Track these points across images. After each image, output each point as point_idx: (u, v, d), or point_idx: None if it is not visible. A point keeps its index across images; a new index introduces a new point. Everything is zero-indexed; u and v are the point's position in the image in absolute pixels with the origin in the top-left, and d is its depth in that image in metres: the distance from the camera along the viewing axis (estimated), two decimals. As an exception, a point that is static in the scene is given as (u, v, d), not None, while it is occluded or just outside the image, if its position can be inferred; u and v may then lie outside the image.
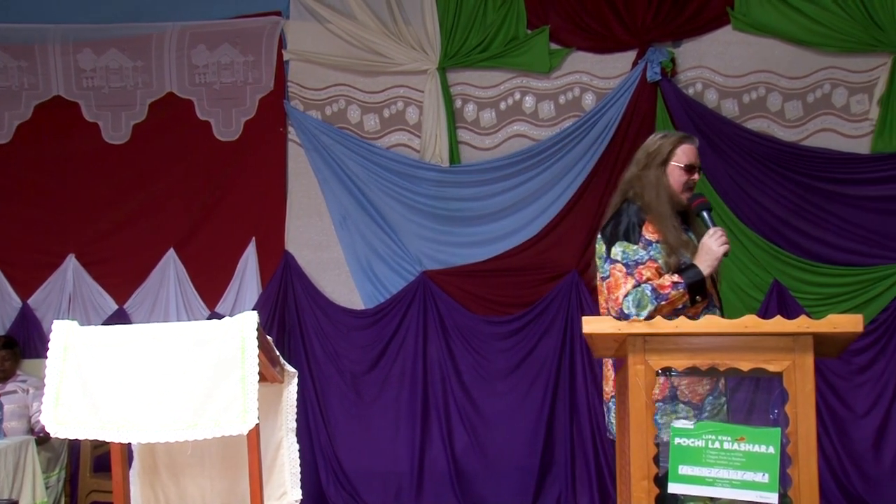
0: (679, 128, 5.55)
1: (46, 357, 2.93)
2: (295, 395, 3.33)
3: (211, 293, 5.93)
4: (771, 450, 2.45)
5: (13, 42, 6.12)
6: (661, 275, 3.11)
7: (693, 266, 3.12)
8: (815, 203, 5.46)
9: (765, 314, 5.20)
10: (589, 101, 5.76)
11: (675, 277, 3.07)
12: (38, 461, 4.86)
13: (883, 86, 5.41)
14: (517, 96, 5.84)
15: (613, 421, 3.24)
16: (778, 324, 2.52)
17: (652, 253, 3.15)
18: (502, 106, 5.86)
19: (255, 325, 2.91)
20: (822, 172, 5.46)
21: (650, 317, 3.04)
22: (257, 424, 2.85)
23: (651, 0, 5.60)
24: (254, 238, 5.97)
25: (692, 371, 2.71)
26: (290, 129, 6.01)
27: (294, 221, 5.99)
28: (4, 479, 4.58)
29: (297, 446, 3.31)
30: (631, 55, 5.68)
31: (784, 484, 2.47)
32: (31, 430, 5.34)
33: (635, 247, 3.16)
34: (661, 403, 3.21)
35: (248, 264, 5.95)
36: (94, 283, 6.02)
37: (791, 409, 2.48)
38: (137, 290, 5.98)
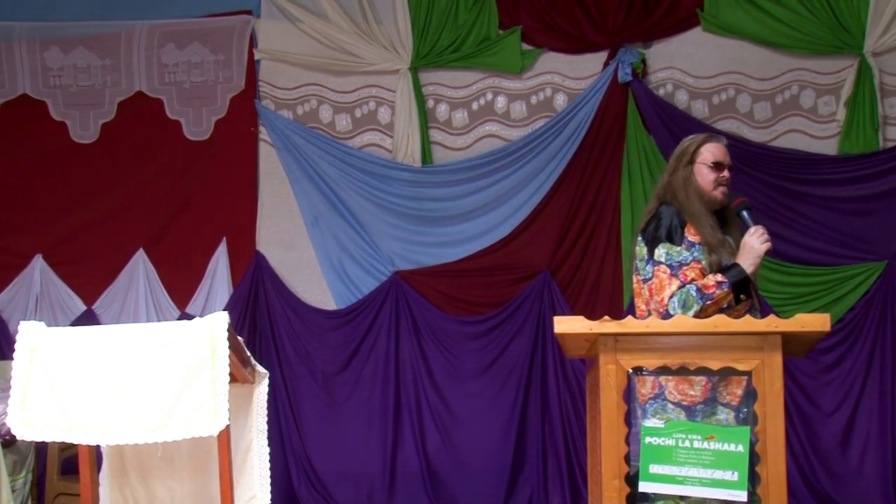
0: (650, 129, 5.60)
1: (12, 359, 2.89)
2: (266, 396, 3.31)
3: (181, 294, 5.88)
4: (740, 448, 2.48)
5: (-22, 40, 6.05)
6: (704, 275, 3.14)
7: (736, 265, 3.17)
8: (784, 203, 5.51)
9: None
10: (560, 101, 5.78)
11: (719, 277, 3.12)
12: (3, 464, 4.79)
13: (849, 88, 5.47)
14: (489, 96, 5.85)
15: (640, 423, 3.25)
16: (747, 323, 2.55)
17: (695, 254, 3.19)
18: (474, 106, 5.87)
19: (226, 326, 2.89)
20: (790, 173, 5.51)
21: (695, 317, 3.07)
22: (228, 426, 2.83)
23: (622, 1, 5.63)
24: (225, 238, 5.93)
25: (678, 370, 2.72)
26: (262, 128, 5.97)
27: (265, 221, 5.96)
28: (-30, 483, 4.51)
29: (267, 448, 3.29)
30: (602, 56, 5.71)
31: (753, 482, 2.49)
32: (-3, 433, 5.27)
33: (679, 248, 3.20)
34: (702, 405, 3.22)
35: (219, 264, 5.91)
36: (61, 283, 5.95)
37: (760, 408, 2.50)
38: (106, 291, 5.92)
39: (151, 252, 5.94)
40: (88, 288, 5.94)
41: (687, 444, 2.50)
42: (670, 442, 2.51)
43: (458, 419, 5.68)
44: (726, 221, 3.41)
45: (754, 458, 2.47)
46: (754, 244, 3.19)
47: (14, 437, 2.85)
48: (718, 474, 2.47)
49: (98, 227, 5.98)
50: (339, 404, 5.76)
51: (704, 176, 3.36)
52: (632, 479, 2.55)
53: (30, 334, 2.91)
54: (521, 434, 5.61)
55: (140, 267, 5.92)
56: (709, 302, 3.07)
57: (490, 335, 5.69)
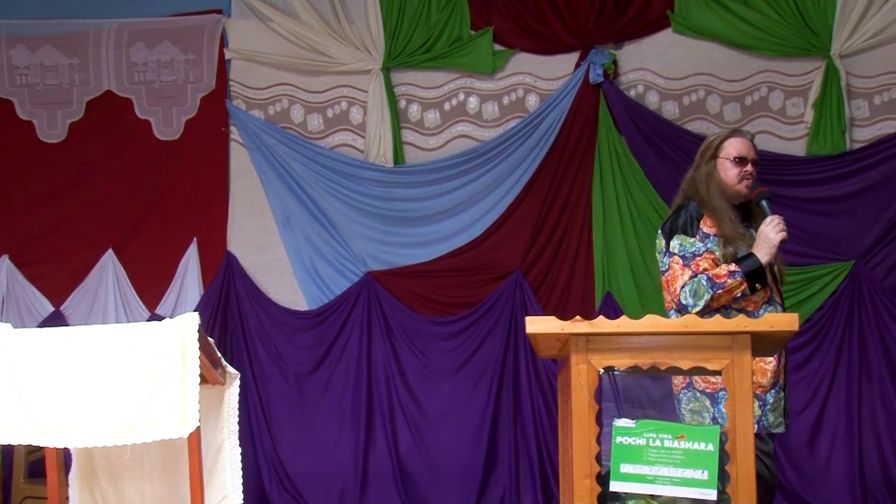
0: (621, 129, 5.63)
1: (-22, 361, 2.85)
2: (237, 397, 3.30)
3: (151, 294, 5.84)
4: (710, 447, 2.49)
5: (-57, 38, 5.97)
6: (718, 265, 3.17)
7: (751, 255, 3.21)
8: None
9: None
10: (532, 102, 5.79)
11: (732, 266, 3.16)
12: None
13: (817, 89, 5.53)
14: (461, 97, 5.86)
15: (684, 412, 3.31)
16: (717, 323, 2.57)
17: (709, 245, 3.23)
18: (446, 106, 5.87)
19: (196, 327, 2.87)
20: (759, 174, 5.55)
21: (707, 306, 3.14)
22: (198, 427, 2.81)
23: (593, 2, 5.66)
24: (195, 238, 5.89)
25: (649, 370, 2.73)
26: (233, 128, 5.94)
27: (236, 222, 5.93)
28: (-65, 487, 4.45)
29: (238, 449, 3.27)
30: (573, 57, 5.73)
31: (723, 481, 2.51)
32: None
33: (692, 239, 3.25)
34: (723, 391, 3.26)
35: (190, 265, 5.87)
36: (28, 284, 5.88)
37: (729, 407, 2.52)
38: (75, 292, 5.86)
39: (121, 252, 5.88)
40: (56, 289, 5.88)
41: (658, 443, 2.51)
42: (641, 441, 2.52)
43: (431, 419, 5.67)
44: (751, 215, 3.45)
45: (724, 456, 2.49)
46: (769, 234, 3.23)
47: (-21, 440, 2.82)
48: (689, 473, 2.49)
49: (66, 227, 5.91)
50: (310, 405, 5.74)
51: (728, 170, 3.41)
52: (603, 479, 2.55)
53: (-4, 336, 2.88)
54: (493, 434, 5.62)
55: (109, 267, 5.87)
56: (720, 291, 3.11)
57: (462, 335, 5.69)
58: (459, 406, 5.65)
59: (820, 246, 5.51)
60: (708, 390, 3.30)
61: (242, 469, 3.27)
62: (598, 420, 2.56)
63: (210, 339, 3.08)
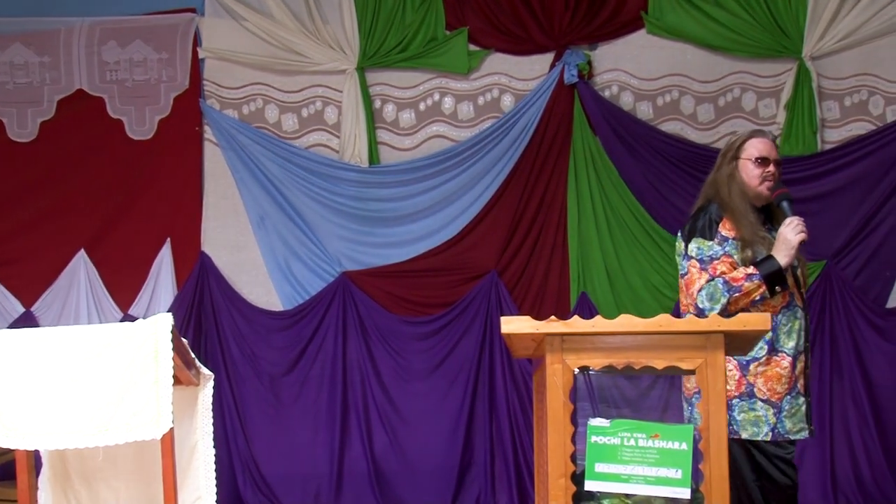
0: (595, 130, 5.65)
1: (-53, 363, 2.82)
2: (211, 398, 3.28)
3: (124, 295, 5.79)
4: (684, 446, 2.50)
5: (-90, 36, 5.88)
6: (735, 269, 3.15)
7: (770, 257, 3.18)
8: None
9: (679, 313, 5.32)
10: (507, 102, 5.80)
11: (750, 269, 3.14)
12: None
13: (789, 91, 5.58)
14: (436, 97, 5.85)
15: (697, 416, 3.30)
16: (691, 323, 2.58)
17: (727, 248, 3.21)
18: (421, 107, 5.86)
19: (170, 328, 2.85)
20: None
21: (724, 310, 3.12)
22: (171, 428, 2.80)
23: (567, 3, 5.67)
24: (169, 238, 5.84)
25: (623, 369, 2.74)
26: (207, 128, 5.90)
27: (211, 222, 5.89)
28: None
29: (213, 450, 3.25)
30: (548, 57, 5.74)
31: (696, 479, 2.52)
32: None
33: (710, 243, 3.22)
34: (738, 400, 3.27)
35: (163, 265, 5.83)
36: (-1, 285, 5.83)
37: (703, 406, 2.53)
38: (46, 293, 5.80)
39: (93, 253, 5.83)
40: (27, 289, 5.81)
41: (632, 442, 2.53)
42: (616, 441, 2.53)
43: (406, 420, 5.67)
44: (773, 217, 3.41)
45: (698, 455, 2.51)
46: (788, 235, 3.20)
47: (-52, 443, 2.78)
48: (663, 472, 2.50)
49: (37, 227, 5.85)
50: (285, 406, 5.72)
51: (749, 171, 3.36)
52: (578, 478, 2.56)
53: (-35, 338, 2.85)
54: (468, 434, 5.62)
55: (81, 268, 5.81)
56: (737, 294, 3.09)
57: (438, 336, 5.69)
58: (435, 406, 5.65)
59: (792, 246, 5.55)
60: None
61: (216, 470, 3.25)
62: (573, 419, 2.57)
63: (184, 339, 3.06)
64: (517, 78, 5.81)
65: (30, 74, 5.90)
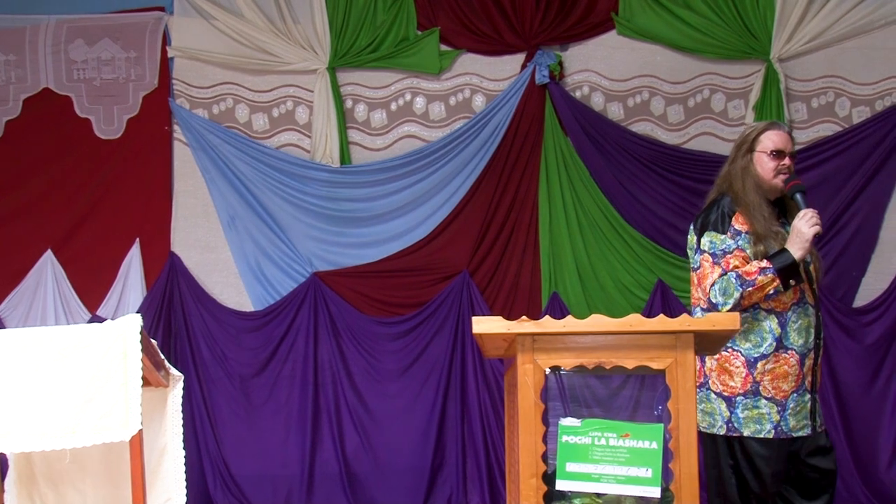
0: (566, 130, 5.67)
1: (-89, 365, 2.77)
2: (180, 400, 3.26)
3: (92, 296, 5.73)
4: (654, 445, 2.52)
5: None
6: (748, 263, 3.13)
7: (784, 251, 3.15)
8: (697, 205, 5.54)
9: (649, 313, 5.35)
10: (479, 102, 5.81)
11: (764, 263, 3.11)
12: None
13: (757, 92, 5.64)
14: (408, 97, 5.85)
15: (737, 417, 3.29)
16: (661, 322, 2.60)
17: (740, 242, 3.18)
18: (393, 107, 5.86)
19: (139, 329, 2.82)
20: (702, 175, 5.63)
21: (737, 304, 3.10)
22: (140, 430, 2.77)
23: (538, 4, 5.69)
24: (138, 239, 5.79)
25: (594, 369, 2.76)
26: (176, 127, 5.85)
27: (180, 222, 5.84)
28: None
29: (182, 452, 3.23)
30: (520, 58, 5.76)
31: (666, 478, 2.54)
32: None
33: (723, 236, 3.20)
34: (742, 397, 3.26)
35: (132, 266, 5.78)
36: (-36, 286, 5.75)
37: (673, 406, 2.55)
38: (12, 294, 5.72)
39: (60, 253, 5.76)
40: (-7, 291, 5.75)
41: (603, 441, 2.54)
42: (586, 440, 2.54)
43: (378, 420, 5.66)
44: (788, 210, 3.37)
45: (668, 454, 2.52)
46: (802, 228, 3.15)
47: (-88, 446, 2.73)
48: (633, 471, 2.51)
49: (3, 227, 5.77)
50: (256, 407, 5.69)
51: (764, 164, 3.32)
52: (549, 478, 2.57)
53: (-71, 339, 2.80)
54: (440, 434, 5.62)
55: (48, 268, 5.74)
56: (750, 288, 3.07)
57: (409, 336, 5.69)
58: (406, 406, 5.65)
59: (760, 246, 5.60)
60: (725, 393, 3.28)
61: (186, 471, 3.24)
62: (544, 419, 2.58)
63: (153, 340, 3.04)
64: (488, 78, 5.82)
65: (-5, 73, 5.83)
